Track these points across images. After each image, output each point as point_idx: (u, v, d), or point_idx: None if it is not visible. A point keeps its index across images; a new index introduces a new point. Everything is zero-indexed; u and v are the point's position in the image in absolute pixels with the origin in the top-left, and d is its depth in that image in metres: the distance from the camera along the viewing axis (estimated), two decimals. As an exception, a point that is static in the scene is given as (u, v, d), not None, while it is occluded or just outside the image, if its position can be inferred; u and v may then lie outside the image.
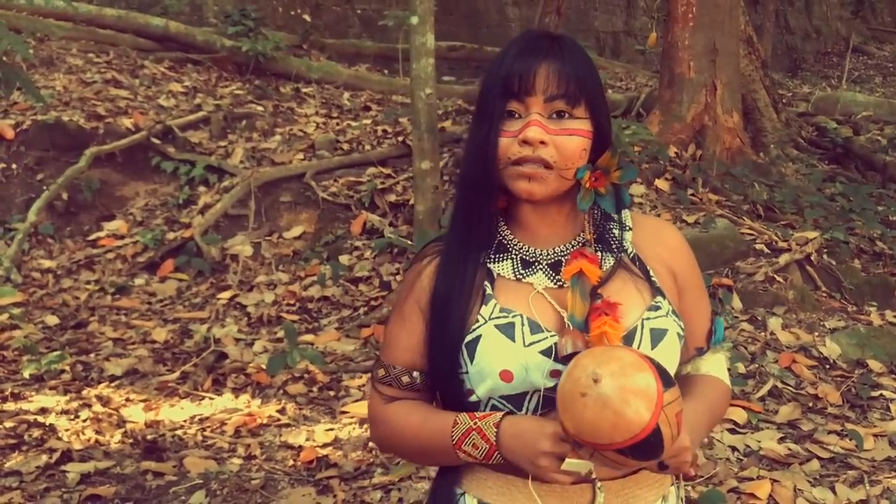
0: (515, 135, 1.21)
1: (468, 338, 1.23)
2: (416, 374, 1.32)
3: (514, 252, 1.30)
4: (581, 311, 1.22)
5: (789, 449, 3.23)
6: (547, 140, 1.21)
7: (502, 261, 1.29)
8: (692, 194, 5.25)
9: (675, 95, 5.90)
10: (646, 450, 1.05)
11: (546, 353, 1.20)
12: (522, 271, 1.28)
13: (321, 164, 5.76)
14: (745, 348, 3.90)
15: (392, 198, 5.46)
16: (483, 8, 10.59)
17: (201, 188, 5.69)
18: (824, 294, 4.49)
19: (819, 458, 3.18)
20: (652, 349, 1.22)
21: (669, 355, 1.24)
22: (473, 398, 1.24)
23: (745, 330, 4.03)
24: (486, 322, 1.23)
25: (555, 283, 1.27)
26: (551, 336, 1.21)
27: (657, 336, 1.23)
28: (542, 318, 1.23)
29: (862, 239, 5.13)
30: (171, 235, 5.30)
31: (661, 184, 5.28)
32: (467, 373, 1.24)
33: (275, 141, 6.16)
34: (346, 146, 6.11)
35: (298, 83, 7.50)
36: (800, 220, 5.16)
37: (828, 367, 3.84)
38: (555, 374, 1.20)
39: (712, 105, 5.86)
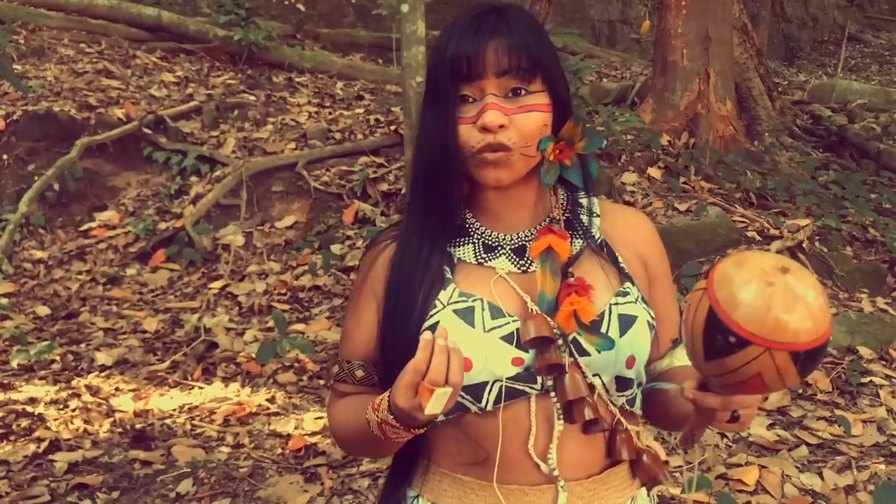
0: (473, 120, 1.15)
1: (426, 324, 1.16)
2: (371, 367, 1.25)
3: (476, 236, 1.23)
4: (552, 289, 1.15)
5: (778, 435, 3.23)
6: (506, 122, 1.14)
7: (464, 245, 1.22)
8: (684, 182, 5.24)
9: (668, 84, 5.88)
10: (814, 360, 0.95)
11: (507, 339, 1.13)
12: (485, 255, 1.21)
13: (313, 153, 5.75)
14: (736, 335, 3.89)
15: (384, 187, 5.45)
16: (476, 3, 10.54)
17: (193, 178, 5.68)
18: (816, 281, 4.48)
19: (808, 444, 3.19)
20: (620, 337, 1.15)
21: (639, 343, 1.18)
22: None
23: (736, 317, 4.02)
24: (444, 307, 1.16)
25: (518, 268, 1.20)
26: (513, 321, 1.15)
27: (626, 322, 1.17)
28: (504, 303, 1.16)
29: (854, 226, 5.12)
30: (162, 225, 5.29)
31: (654, 172, 5.27)
32: None
33: (267, 130, 6.14)
34: (338, 135, 6.10)
35: (291, 73, 7.48)
36: (792, 208, 5.15)
37: (818, 353, 3.84)
38: (516, 361, 1.13)
39: (705, 93, 5.85)
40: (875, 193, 5.65)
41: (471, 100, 1.16)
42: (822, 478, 2.95)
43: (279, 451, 3.23)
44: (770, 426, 3.30)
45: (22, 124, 5.70)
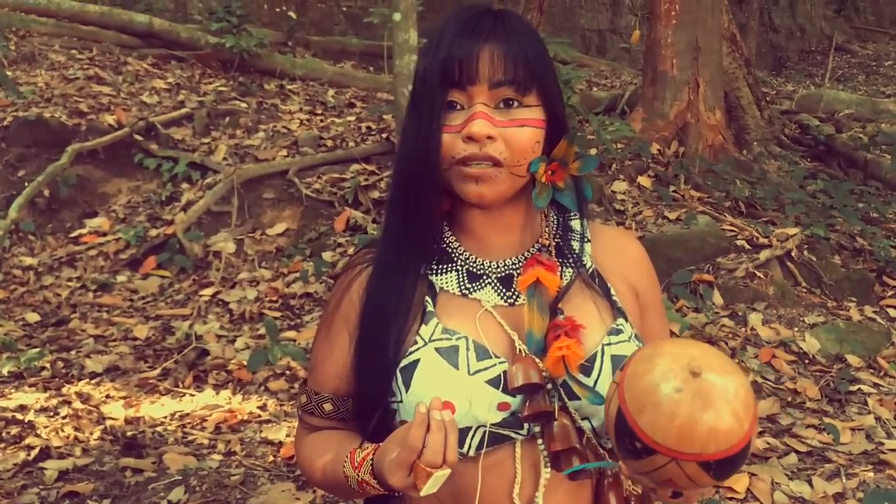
0: (459, 129, 1.06)
1: (404, 362, 1.07)
2: (340, 401, 1.17)
3: (459, 262, 1.13)
4: (540, 328, 1.07)
5: (768, 443, 3.25)
6: (494, 134, 1.05)
7: (446, 272, 1.13)
8: (674, 191, 5.27)
9: (658, 93, 5.92)
10: (731, 467, 0.88)
11: (493, 382, 1.05)
12: (469, 285, 1.12)
13: (304, 160, 5.75)
14: (726, 344, 3.92)
15: (375, 194, 5.45)
16: (468, 5, 10.59)
17: (184, 185, 5.67)
18: (804, 290, 4.52)
19: (797, 451, 3.21)
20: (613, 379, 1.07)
21: None
22: None
23: (726, 325, 4.05)
24: (425, 344, 1.07)
25: (505, 301, 1.12)
26: (500, 363, 1.07)
27: (619, 364, 1.06)
28: (491, 342, 1.08)
29: (842, 235, 5.16)
30: (153, 232, 5.28)
31: (644, 181, 5.30)
32: (401, 402, 1.08)
33: (258, 138, 6.14)
34: (329, 143, 6.11)
35: (283, 80, 7.49)
36: (781, 217, 5.19)
37: (807, 362, 3.87)
38: (502, 407, 1.06)
39: (695, 102, 5.89)
40: (863, 203, 5.70)
41: (458, 107, 1.07)
42: (811, 485, 2.97)
43: (271, 458, 3.23)
44: (759, 434, 3.33)
45: (12, 130, 5.69)
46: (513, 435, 1.07)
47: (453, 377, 1.05)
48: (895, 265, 4.83)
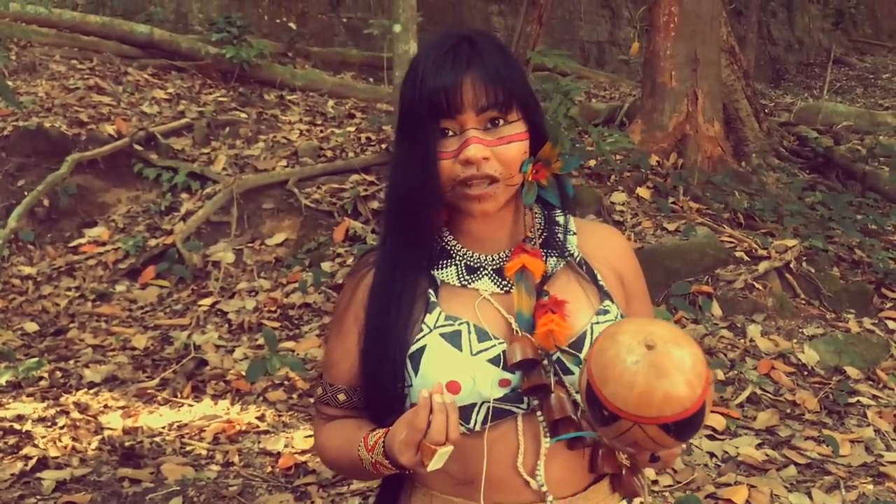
0: (455, 154, 1.17)
1: (412, 348, 1.19)
2: (353, 391, 1.28)
3: (457, 258, 1.26)
4: (528, 308, 1.19)
5: (767, 455, 3.25)
6: (488, 154, 1.16)
7: (446, 267, 1.25)
8: (673, 202, 5.28)
9: (657, 104, 5.94)
10: (689, 428, 1.00)
11: (494, 361, 1.17)
12: (468, 277, 1.24)
13: (304, 171, 5.76)
14: (725, 355, 3.92)
15: (375, 205, 5.45)
16: (468, 17, 10.64)
17: (184, 195, 5.68)
18: (803, 301, 4.52)
19: (796, 463, 3.21)
20: None
21: None
22: None
23: (725, 337, 4.06)
24: (430, 331, 1.19)
25: (501, 289, 1.23)
26: (499, 343, 1.18)
27: None
28: (490, 325, 1.20)
29: (841, 247, 5.17)
30: (152, 242, 5.28)
31: (643, 192, 5.31)
32: (411, 386, 1.19)
33: (258, 148, 6.15)
34: (329, 153, 6.12)
35: (282, 90, 7.51)
36: (779, 229, 5.20)
37: (806, 373, 3.87)
38: (503, 383, 1.17)
39: (693, 114, 5.91)
40: (861, 214, 5.71)
41: (450, 133, 1.17)
42: (810, 498, 2.97)
43: (269, 469, 3.22)
44: (759, 446, 3.32)
45: (13, 140, 5.69)
46: (514, 409, 1.18)
47: (458, 358, 1.16)
48: (894, 277, 4.84)
